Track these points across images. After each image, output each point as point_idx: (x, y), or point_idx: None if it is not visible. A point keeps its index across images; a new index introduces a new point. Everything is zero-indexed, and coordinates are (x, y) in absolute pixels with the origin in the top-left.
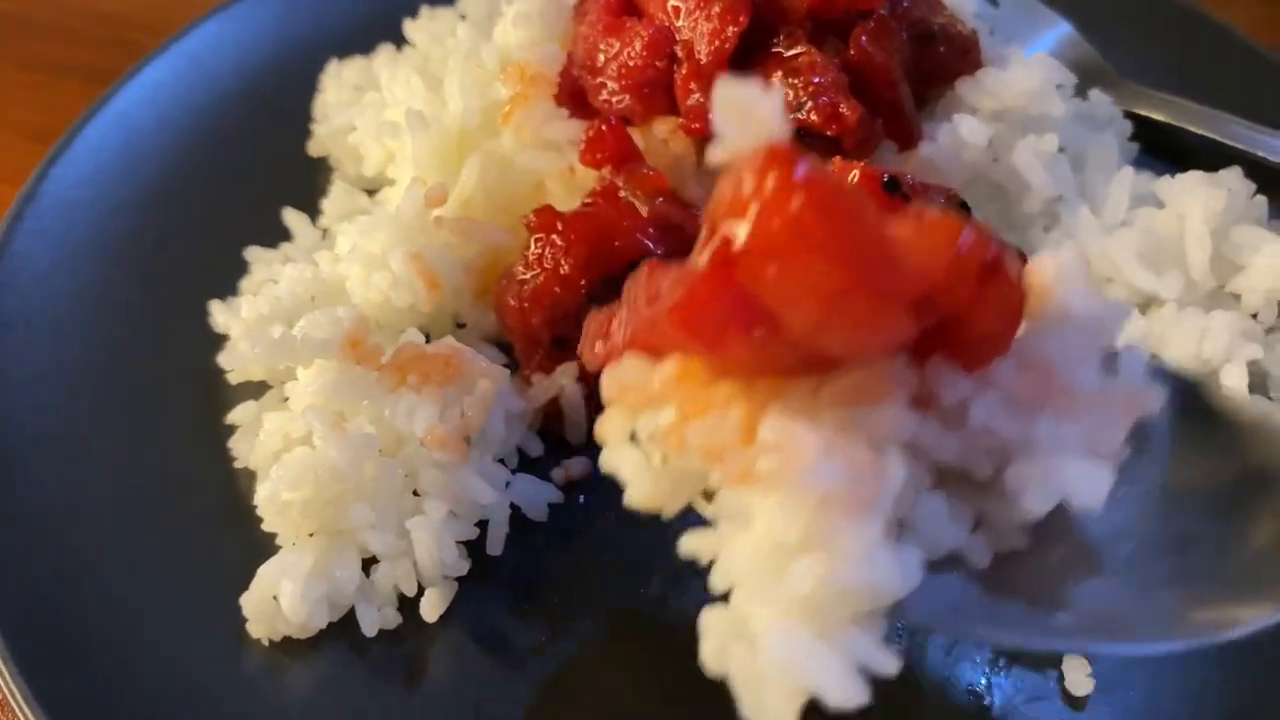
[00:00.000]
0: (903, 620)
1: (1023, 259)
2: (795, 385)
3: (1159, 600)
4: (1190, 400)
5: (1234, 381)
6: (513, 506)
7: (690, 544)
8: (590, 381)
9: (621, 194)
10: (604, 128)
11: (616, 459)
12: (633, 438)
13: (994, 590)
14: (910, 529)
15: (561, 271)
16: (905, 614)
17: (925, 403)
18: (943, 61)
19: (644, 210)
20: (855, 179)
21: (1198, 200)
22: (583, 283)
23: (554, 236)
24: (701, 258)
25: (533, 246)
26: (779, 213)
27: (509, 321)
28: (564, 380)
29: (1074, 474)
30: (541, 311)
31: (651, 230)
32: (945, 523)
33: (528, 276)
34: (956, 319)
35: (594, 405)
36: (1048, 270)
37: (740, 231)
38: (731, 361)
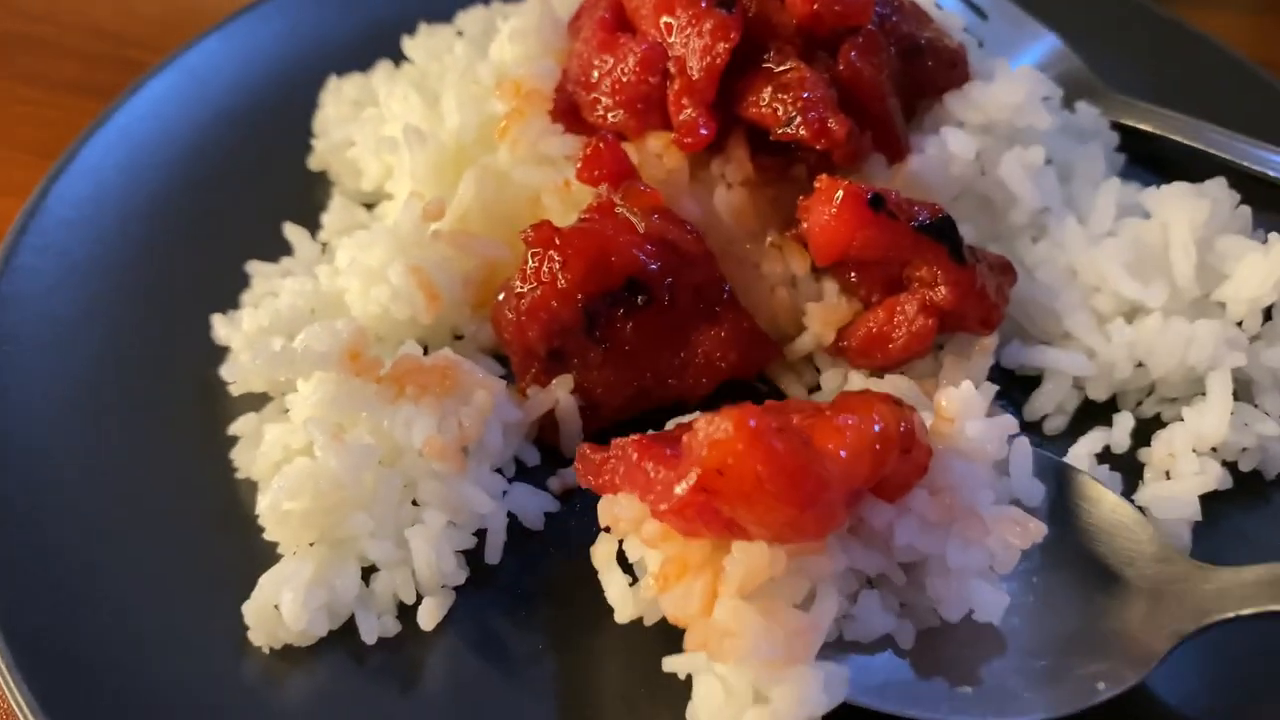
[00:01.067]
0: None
1: (1009, 271)
2: (755, 544)
3: (1038, 672)
4: (1064, 485)
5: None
6: (510, 515)
7: (670, 664)
8: (586, 395)
9: (618, 210)
10: (600, 145)
11: (606, 580)
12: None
13: (917, 668)
14: (850, 619)
15: (559, 286)
16: (850, 693)
17: (857, 527)
18: (930, 75)
19: (640, 226)
20: (839, 198)
21: (1183, 210)
22: (579, 297)
23: (551, 251)
24: (684, 482)
25: (530, 261)
26: (742, 470)
27: (506, 335)
28: (559, 393)
29: (978, 593)
30: (538, 325)
31: (648, 247)
32: (878, 613)
33: (525, 290)
34: (880, 479)
35: (589, 418)
36: (952, 403)
37: (715, 474)
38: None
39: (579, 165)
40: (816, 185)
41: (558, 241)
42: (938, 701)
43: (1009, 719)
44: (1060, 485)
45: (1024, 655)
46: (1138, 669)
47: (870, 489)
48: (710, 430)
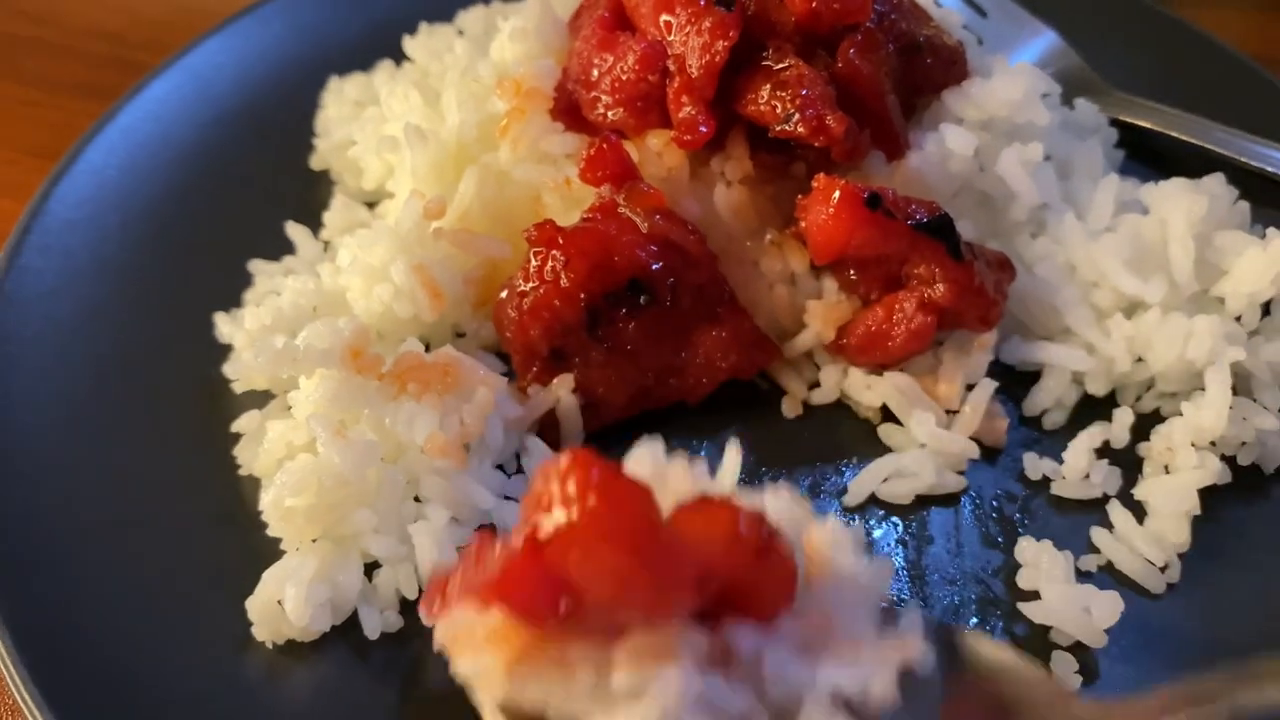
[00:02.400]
0: None
1: (1008, 267)
2: (594, 646)
3: None
4: (953, 649)
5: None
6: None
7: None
8: (587, 393)
9: (621, 210)
10: (604, 145)
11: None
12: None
13: None
14: None
15: (561, 285)
16: None
17: (721, 658)
18: (929, 72)
19: (644, 226)
20: (836, 198)
21: (1181, 206)
22: (582, 296)
23: (554, 250)
24: (516, 541)
25: (533, 260)
26: (578, 510)
27: (508, 333)
28: (561, 392)
29: None
30: (540, 324)
31: (652, 247)
32: None
33: (527, 289)
34: (739, 587)
35: (590, 417)
36: (822, 540)
37: (547, 523)
38: (545, 625)
39: (582, 165)
40: (814, 185)
41: (561, 241)
42: None
43: None
44: (946, 643)
45: None
46: None
47: (731, 602)
48: (548, 480)
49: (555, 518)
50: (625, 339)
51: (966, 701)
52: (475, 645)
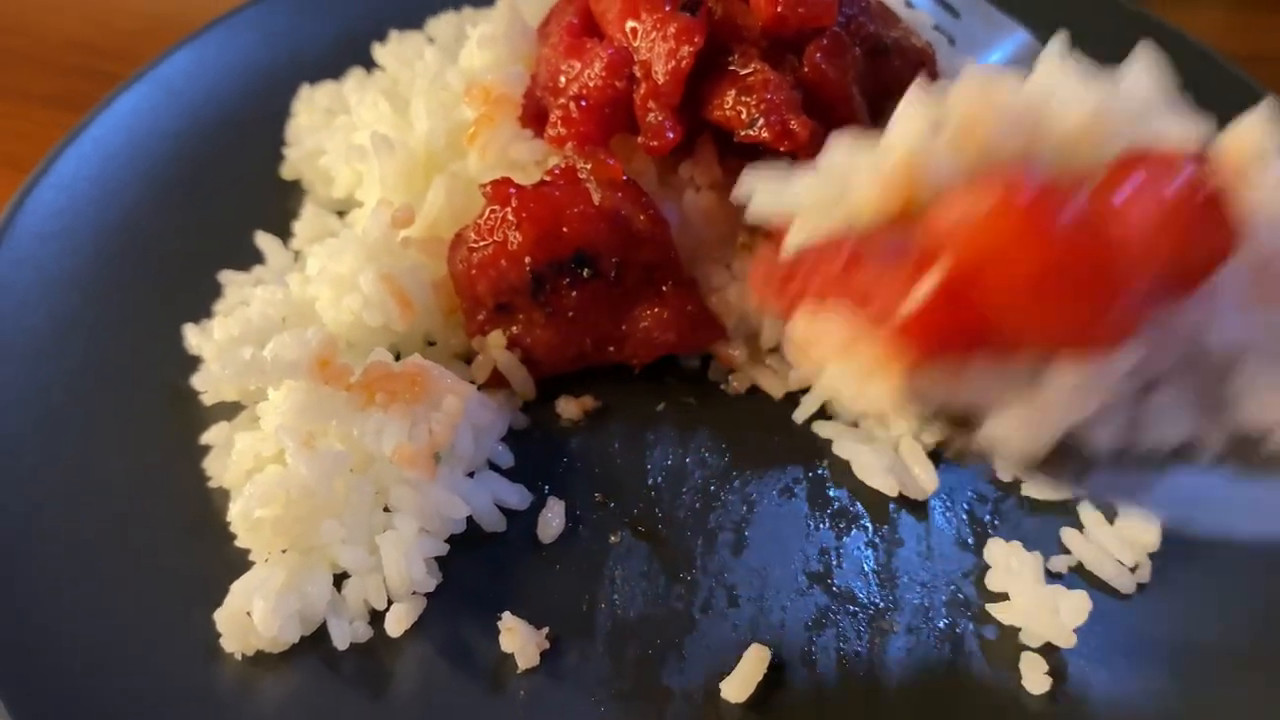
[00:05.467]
0: (1154, 512)
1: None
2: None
3: None
4: None
5: None
6: (473, 523)
7: None
8: (525, 351)
9: (581, 177)
10: (575, 108)
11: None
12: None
13: (1232, 474)
14: (1142, 427)
15: (509, 247)
16: (1150, 508)
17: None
18: (897, 75)
19: (596, 199)
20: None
21: None
22: (527, 261)
23: (507, 210)
24: (928, 283)
25: (486, 215)
26: (1014, 265)
27: (456, 282)
28: (494, 351)
29: None
30: (487, 281)
31: (601, 223)
32: (1174, 415)
33: (477, 245)
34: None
35: (533, 368)
36: (1243, 141)
37: (972, 271)
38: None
39: (548, 130)
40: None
41: (514, 202)
42: (1256, 508)
43: None
44: None
45: None
46: None
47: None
48: (967, 210)
49: (985, 269)
50: (567, 306)
51: None
52: (849, 362)
